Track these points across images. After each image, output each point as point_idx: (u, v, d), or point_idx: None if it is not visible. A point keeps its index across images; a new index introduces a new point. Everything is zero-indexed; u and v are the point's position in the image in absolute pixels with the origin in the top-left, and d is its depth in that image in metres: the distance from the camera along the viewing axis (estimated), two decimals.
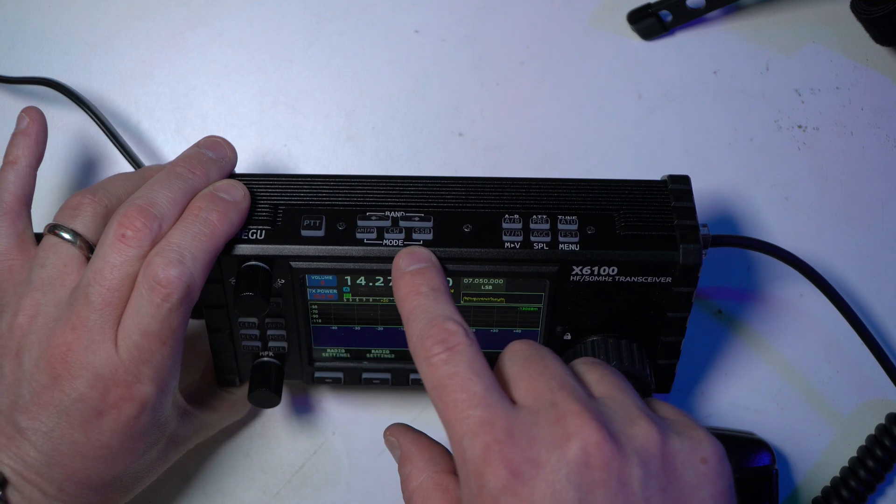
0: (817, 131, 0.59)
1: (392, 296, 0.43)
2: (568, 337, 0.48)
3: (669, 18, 0.59)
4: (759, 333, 0.57)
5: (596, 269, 0.45)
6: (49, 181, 0.57)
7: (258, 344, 0.49)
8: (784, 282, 0.57)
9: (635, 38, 0.60)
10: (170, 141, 0.59)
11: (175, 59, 0.59)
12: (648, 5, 0.59)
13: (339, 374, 0.51)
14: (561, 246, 0.45)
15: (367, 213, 0.46)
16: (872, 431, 0.56)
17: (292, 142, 0.59)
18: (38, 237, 0.47)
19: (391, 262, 0.44)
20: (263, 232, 0.45)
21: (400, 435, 0.42)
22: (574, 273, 0.45)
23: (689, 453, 0.37)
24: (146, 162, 0.57)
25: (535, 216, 0.46)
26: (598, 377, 0.41)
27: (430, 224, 0.46)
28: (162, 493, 0.56)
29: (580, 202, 0.47)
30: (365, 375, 0.51)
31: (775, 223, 0.58)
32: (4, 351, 0.44)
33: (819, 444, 0.57)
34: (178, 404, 0.48)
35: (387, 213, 0.46)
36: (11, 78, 0.57)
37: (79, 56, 0.59)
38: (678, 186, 0.47)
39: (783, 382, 0.57)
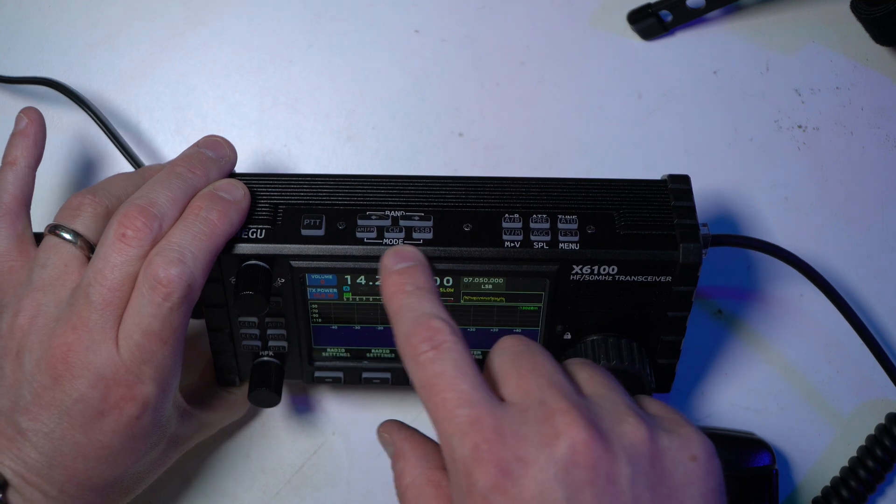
0: (817, 131, 0.59)
1: None
2: (568, 336, 0.48)
3: (669, 18, 0.59)
4: (759, 333, 0.57)
5: (596, 268, 0.45)
6: (49, 181, 0.57)
7: (258, 343, 0.49)
8: (784, 282, 0.57)
9: (635, 38, 0.60)
10: (170, 141, 0.59)
11: (175, 59, 0.59)
12: (648, 5, 0.59)
13: (339, 374, 0.51)
14: (561, 245, 0.45)
15: (368, 213, 0.46)
16: (872, 431, 0.56)
17: (292, 142, 0.59)
18: (38, 237, 0.47)
19: None
20: (263, 231, 0.45)
21: (393, 431, 0.42)
22: (574, 272, 0.45)
23: (678, 451, 0.37)
24: (146, 162, 0.57)
25: (535, 215, 0.46)
26: (588, 376, 0.41)
27: (430, 223, 0.46)
28: (162, 494, 0.56)
29: (580, 201, 0.47)
30: (365, 375, 0.51)
31: (775, 223, 0.58)
32: (5, 352, 0.44)
33: (819, 444, 0.57)
34: (178, 404, 0.48)
35: (387, 212, 0.46)
36: (11, 78, 0.57)
37: (79, 56, 0.59)
38: (678, 186, 0.47)
39: (783, 382, 0.57)
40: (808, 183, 0.58)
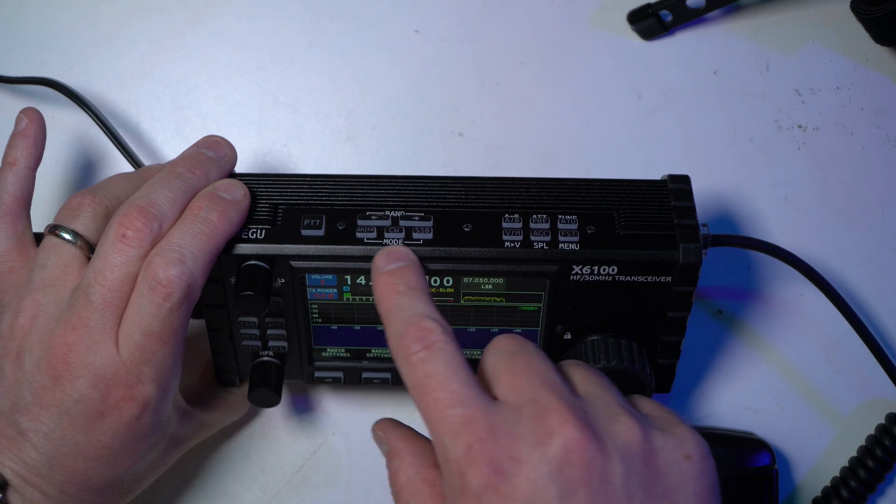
0: (817, 131, 0.59)
1: None
2: (568, 336, 0.48)
3: (669, 18, 0.59)
4: (759, 333, 0.57)
5: (596, 268, 0.45)
6: (49, 181, 0.57)
7: (258, 343, 0.49)
8: (784, 282, 0.57)
9: (635, 38, 0.60)
10: (170, 141, 0.59)
11: (175, 59, 0.59)
12: (648, 5, 0.59)
13: (339, 374, 0.51)
14: (561, 245, 0.45)
15: (367, 213, 0.46)
16: (872, 431, 0.56)
17: (292, 142, 0.59)
18: (38, 238, 0.47)
19: None
20: (263, 231, 0.45)
21: (387, 430, 0.42)
22: (574, 272, 0.45)
23: (672, 450, 0.37)
24: (146, 162, 0.57)
25: (535, 216, 0.46)
26: (582, 376, 0.41)
27: (429, 223, 0.46)
28: (162, 494, 0.56)
29: (580, 202, 0.47)
30: (365, 375, 0.51)
31: (775, 223, 0.58)
32: (5, 352, 0.44)
33: (819, 444, 0.57)
34: (178, 404, 0.48)
35: (387, 212, 0.46)
36: (11, 78, 0.57)
37: (79, 56, 0.59)
38: (678, 186, 0.47)
39: (783, 382, 0.57)
40: (808, 183, 0.58)
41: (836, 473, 0.56)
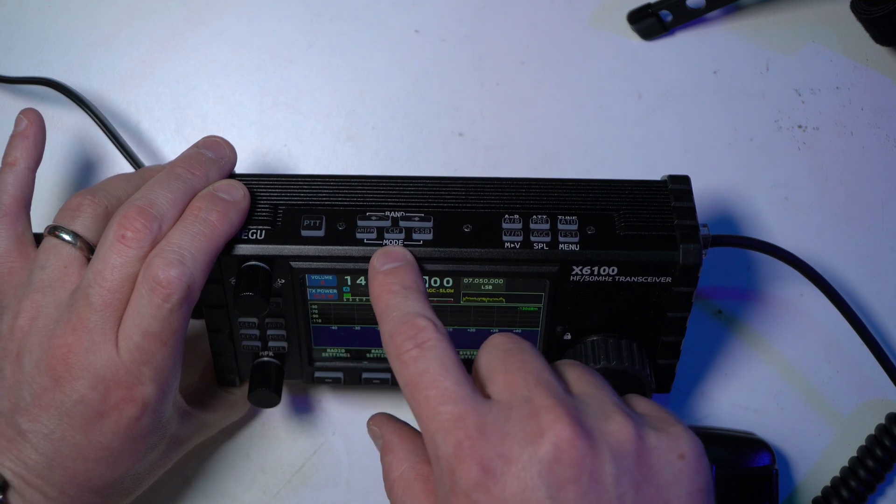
0: (817, 131, 0.59)
1: None
2: (568, 337, 0.48)
3: (669, 18, 0.59)
4: (759, 333, 0.57)
5: (596, 269, 0.45)
6: (49, 181, 0.57)
7: (258, 344, 0.49)
8: (784, 282, 0.57)
9: (635, 38, 0.60)
10: (170, 141, 0.59)
11: (175, 59, 0.59)
12: (648, 5, 0.59)
13: (339, 374, 0.51)
14: (561, 246, 0.45)
15: (367, 213, 0.46)
16: (872, 431, 0.56)
17: (292, 142, 0.59)
18: (38, 238, 0.47)
19: None
20: (263, 232, 0.45)
21: (382, 424, 0.42)
22: (574, 273, 0.45)
23: (666, 449, 0.37)
24: (146, 162, 0.57)
25: (535, 216, 0.46)
26: (577, 375, 0.41)
27: (430, 224, 0.46)
28: (162, 494, 0.56)
29: (580, 202, 0.47)
30: (365, 375, 0.51)
31: (775, 223, 0.58)
32: (5, 353, 0.44)
33: (819, 444, 0.57)
34: (178, 405, 0.48)
35: (387, 213, 0.46)
36: (11, 78, 0.57)
37: (79, 56, 0.59)
38: (678, 186, 0.47)
39: (783, 382, 0.57)
40: (808, 183, 0.58)
41: (836, 473, 0.56)
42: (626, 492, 0.35)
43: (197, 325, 0.49)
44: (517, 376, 0.38)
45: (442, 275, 0.46)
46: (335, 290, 0.47)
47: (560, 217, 0.46)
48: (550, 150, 0.59)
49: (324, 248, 0.45)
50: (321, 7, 0.60)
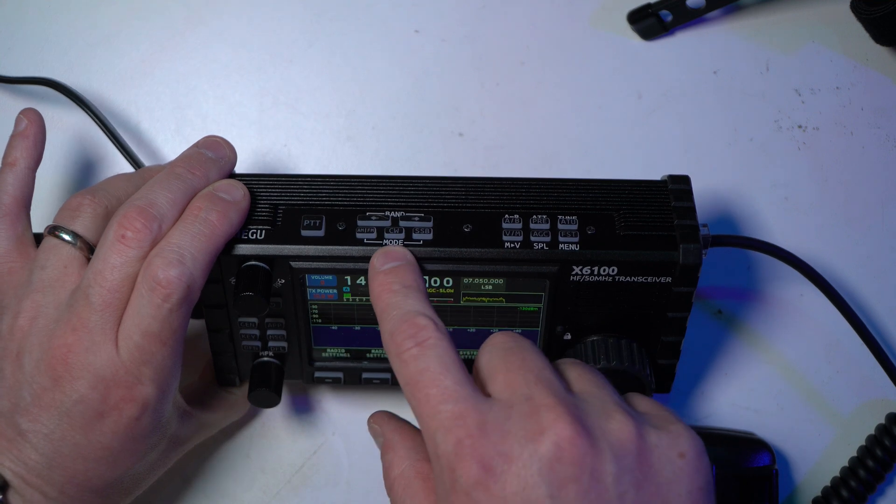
0: (817, 131, 0.59)
1: None
2: (568, 337, 0.48)
3: (669, 18, 0.59)
4: (759, 333, 0.57)
5: (596, 269, 0.45)
6: (49, 181, 0.57)
7: (258, 344, 0.49)
8: (784, 282, 0.57)
9: (635, 38, 0.60)
10: (170, 141, 0.59)
11: (175, 59, 0.59)
12: (648, 5, 0.59)
13: (339, 374, 0.51)
14: (561, 246, 0.45)
15: (367, 213, 0.46)
16: (872, 431, 0.56)
17: (292, 142, 0.59)
18: (38, 238, 0.47)
19: None
20: (263, 232, 0.45)
21: (383, 422, 0.42)
22: (574, 273, 0.45)
23: (666, 448, 0.37)
24: (146, 162, 0.57)
25: (535, 216, 0.46)
26: (578, 374, 0.41)
27: (430, 224, 0.46)
28: (162, 494, 0.56)
29: (580, 202, 0.47)
30: (365, 375, 0.51)
31: (775, 223, 0.58)
32: (5, 353, 0.44)
33: (819, 444, 0.57)
34: (178, 405, 0.48)
35: (387, 213, 0.46)
36: (11, 78, 0.57)
37: (79, 56, 0.59)
38: (678, 186, 0.47)
39: (783, 382, 0.57)
40: (808, 183, 0.58)
41: (836, 473, 0.56)
42: (626, 490, 0.35)
43: (197, 325, 0.49)
44: (518, 375, 0.38)
45: (442, 275, 0.46)
46: (335, 290, 0.47)
47: (560, 217, 0.46)
48: (550, 150, 0.59)
49: (324, 248, 0.45)
50: (321, 7, 0.60)
